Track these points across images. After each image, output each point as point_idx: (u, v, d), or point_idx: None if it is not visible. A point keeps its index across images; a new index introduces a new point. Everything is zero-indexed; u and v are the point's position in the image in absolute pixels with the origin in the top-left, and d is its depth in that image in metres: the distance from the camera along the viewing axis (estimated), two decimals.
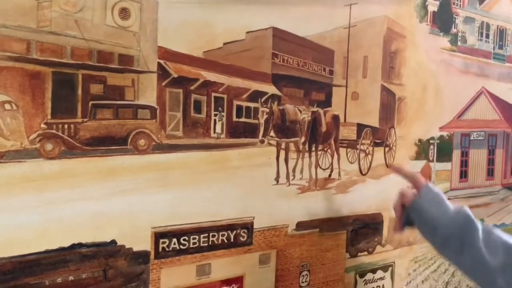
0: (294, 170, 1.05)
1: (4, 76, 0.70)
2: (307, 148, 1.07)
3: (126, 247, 0.83)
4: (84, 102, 0.78)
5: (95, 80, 0.79)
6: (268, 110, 0.99)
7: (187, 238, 0.90)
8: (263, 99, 0.99)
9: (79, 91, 0.78)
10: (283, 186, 1.03)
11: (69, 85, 0.77)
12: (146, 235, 0.86)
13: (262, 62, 0.99)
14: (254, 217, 0.99)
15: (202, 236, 0.92)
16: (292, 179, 1.04)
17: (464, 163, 1.51)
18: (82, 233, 0.79)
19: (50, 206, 0.75)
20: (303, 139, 1.06)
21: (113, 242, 0.82)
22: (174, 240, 0.89)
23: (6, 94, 0.71)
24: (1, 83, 0.70)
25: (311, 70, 1.07)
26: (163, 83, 0.86)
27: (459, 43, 1.43)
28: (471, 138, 1.52)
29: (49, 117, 0.75)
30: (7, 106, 0.71)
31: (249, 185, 0.95)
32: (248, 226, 0.98)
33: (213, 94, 0.93)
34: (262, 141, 0.99)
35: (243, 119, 0.97)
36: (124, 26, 0.81)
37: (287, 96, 1.04)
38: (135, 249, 0.84)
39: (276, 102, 1.01)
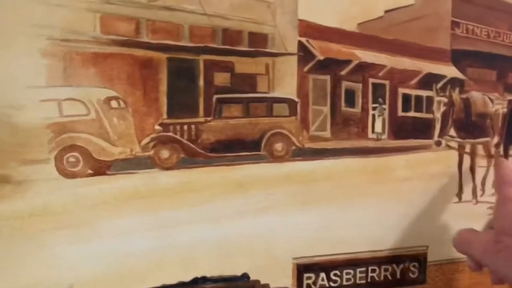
0: (483, 183, 0.82)
1: (109, 66, 0.57)
2: (501, 152, 0.84)
3: (262, 283, 0.67)
4: (207, 96, 0.64)
5: (220, 67, 0.65)
6: (446, 100, 0.77)
7: (339, 273, 0.72)
8: (439, 85, 0.78)
9: (201, 82, 0.63)
10: (468, 205, 0.81)
11: (188, 75, 0.63)
12: (286, 268, 0.69)
13: (437, 34, 0.77)
14: (427, 247, 0.78)
15: (358, 270, 0.73)
16: (481, 195, 0.82)
17: None
18: (206, 264, 0.64)
19: (166, 230, 0.62)
20: (496, 139, 0.83)
21: (245, 276, 0.66)
22: (323, 275, 0.71)
23: (112, 88, 0.58)
24: (106, 74, 0.57)
25: (507, 42, 0.82)
26: (305, 68, 0.69)
27: None
28: None
29: (164, 116, 0.61)
30: (114, 104, 0.58)
31: (421, 203, 0.76)
32: (419, 259, 0.77)
33: (371, 80, 0.74)
34: (438, 143, 0.77)
35: (411, 113, 0.77)
36: None
37: (472, 80, 0.81)
38: (273, 285, 0.68)
39: (457, 89, 0.79)
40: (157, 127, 0.60)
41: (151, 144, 0.60)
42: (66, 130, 0.55)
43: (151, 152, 0.60)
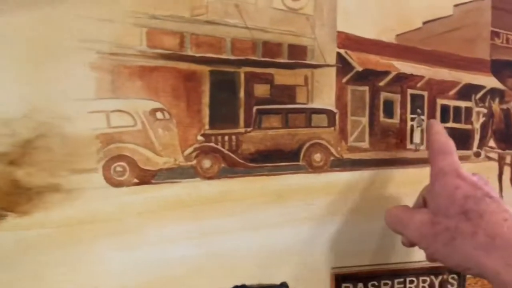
0: None
1: (155, 79, 0.58)
2: None
3: None
4: (247, 107, 0.63)
5: (260, 79, 0.64)
6: (485, 111, 0.74)
7: (376, 284, 0.69)
8: (478, 96, 0.74)
9: (241, 94, 0.63)
10: None
11: (229, 87, 0.63)
12: (324, 278, 0.67)
13: (476, 44, 0.73)
14: None
15: (396, 281, 0.70)
16: None
17: None
18: (244, 272, 0.63)
19: (207, 238, 0.61)
20: None
21: (284, 285, 0.65)
22: (360, 285, 0.69)
23: (157, 100, 0.58)
24: (152, 86, 0.58)
25: None
26: (344, 80, 0.67)
27: None
28: None
29: (206, 127, 0.61)
30: (159, 115, 0.58)
31: None
32: None
33: (410, 91, 0.71)
34: (477, 154, 0.74)
35: (450, 124, 0.73)
36: (295, 8, 0.64)
37: None
38: None
39: (497, 100, 0.75)
40: (199, 137, 0.60)
41: (194, 154, 0.60)
42: (113, 141, 0.56)
43: (194, 162, 0.60)
